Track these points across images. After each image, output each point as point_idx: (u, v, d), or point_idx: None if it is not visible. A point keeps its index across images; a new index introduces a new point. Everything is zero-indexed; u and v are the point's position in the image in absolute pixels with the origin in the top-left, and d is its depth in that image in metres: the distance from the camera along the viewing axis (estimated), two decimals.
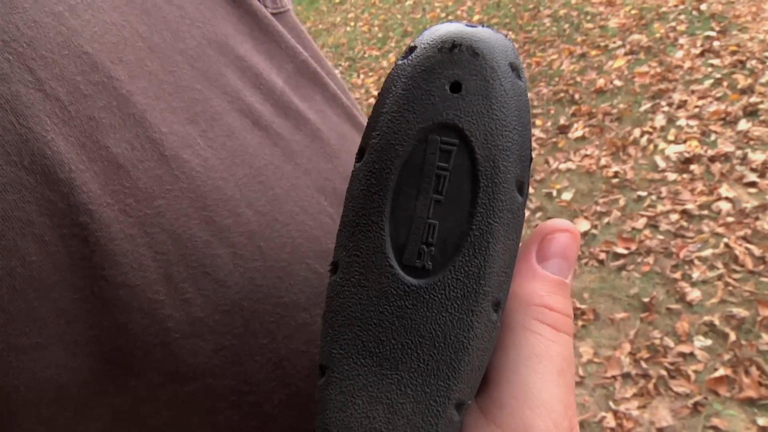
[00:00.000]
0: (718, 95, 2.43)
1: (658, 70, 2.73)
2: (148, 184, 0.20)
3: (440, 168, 0.17)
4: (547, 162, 2.43)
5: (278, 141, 0.25)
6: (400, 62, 0.18)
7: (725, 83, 2.47)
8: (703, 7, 3.10)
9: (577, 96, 2.77)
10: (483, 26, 0.18)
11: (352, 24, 4.86)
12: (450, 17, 4.23)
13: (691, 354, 1.58)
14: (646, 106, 2.54)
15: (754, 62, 2.53)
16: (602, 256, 1.94)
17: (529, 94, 2.91)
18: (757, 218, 1.85)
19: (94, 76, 0.19)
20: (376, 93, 3.41)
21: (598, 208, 2.12)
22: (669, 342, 1.63)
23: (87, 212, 0.18)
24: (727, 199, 1.95)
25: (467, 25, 0.17)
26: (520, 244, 0.20)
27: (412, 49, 0.18)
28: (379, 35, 4.43)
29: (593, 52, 3.08)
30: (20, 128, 0.17)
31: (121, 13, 0.21)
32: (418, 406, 0.17)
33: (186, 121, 0.22)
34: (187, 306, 0.21)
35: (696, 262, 1.81)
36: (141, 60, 0.21)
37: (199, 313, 0.21)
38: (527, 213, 2.20)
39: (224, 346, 0.22)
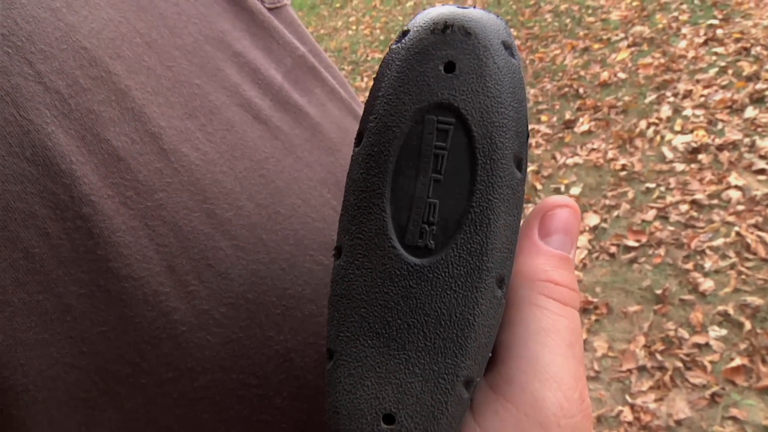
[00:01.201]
0: (724, 83, 2.41)
1: (662, 60, 2.71)
2: (147, 177, 0.20)
3: (438, 147, 0.17)
4: (554, 157, 2.42)
5: (278, 134, 0.25)
6: (393, 46, 0.18)
7: (730, 71, 2.46)
8: None
9: (581, 90, 2.76)
10: (474, 7, 0.18)
11: (354, 28, 4.87)
12: None
13: (707, 344, 1.57)
14: (652, 97, 2.52)
15: (758, 49, 2.51)
16: (613, 249, 1.93)
17: (534, 90, 2.90)
18: None
19: (92, 71, 0.19)
20: None
21: (607, 202, 2.11)
22: (683, 333, 1.61)
23: (90, 203, 0.19)
24: (736, 187, 1.93)
25: (459, 7, 0.18)
26: (522, 222, 0.20)
27: (405, 33, 0.18)
28: (381, 38, 4.44)
29: (596, 46, 3.06)
30: (21, 120, 0.17)
31: (118, 9, 0.22)
32: (427, 385, 0.17)
33: (185, 115, 0.22)
34: (192, 298, 0.21)
35: (708, 251, 1.79)
36: (139, 55, 0.21)
37: (204, 305, 0.21)
38: None
39: (231, 339, 0.22)
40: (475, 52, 0.17)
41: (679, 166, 2.12)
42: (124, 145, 0.20)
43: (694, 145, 2.18)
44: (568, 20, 3.45)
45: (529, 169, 2.39)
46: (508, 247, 0.17)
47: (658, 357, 1.58)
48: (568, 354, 0.18)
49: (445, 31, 0.17)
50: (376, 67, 3.92)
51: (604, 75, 2.78)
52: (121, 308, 0.20)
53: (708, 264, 1.75)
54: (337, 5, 5.66)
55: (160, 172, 0.21)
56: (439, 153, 0.17)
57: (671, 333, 1.63)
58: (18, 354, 0.18)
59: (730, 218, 1.85)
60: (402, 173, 0.17)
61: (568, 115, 2.63)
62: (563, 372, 0.18)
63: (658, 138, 2.29)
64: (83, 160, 0.18)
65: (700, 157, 2.12)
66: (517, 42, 3.39)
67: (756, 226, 1.79)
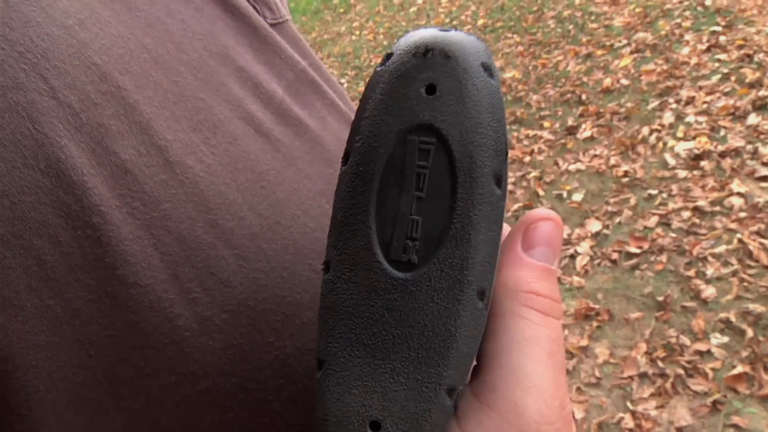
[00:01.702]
0: (727, 90, 2.41)
1: (665, 67, 2.72)
2: (153, 188, 0.21)
3: (420, 167, 0.17)
4: (556, 164, 2.42)
5: (279, 147, 0.26)
6: (378, 69, 0.18)
7: (733, 78, 2.46)
8: (708, 2, 3.09)
9: (584, 96, 2.77)
10: (456, 30, 0.18)
11: (357, 33, 4.88)
12: (454, 22, 4.25)
13: (708, 352, 1.57)
14: (654, 103, 2.53)
15: (761, 56, 2.51)
16: (615, 256, 1.93)
17: (537, 96, 2.91)
18: None
19: (102, 86, 0.20)
20: None
21: (609, 208, 2.11)
22: (685, 340, 1.61)
23: (99, 213, 0.19)
24: (739, 194, 1.93)
25: (440, 30, 0.18)
26: (507, 235, 0.21)
27: (389, 56, 0.18)
28: (385, 43, 4.45)
29: (599, 52, 3.07)
30: (36, 134, 0.18)
31: (127, 26, 0.22)
32: (411, 393, 0.17)
33: (190, 128, 0.23)
34: (194, 305, 0.22)
35: (710, 258, 1.79)
36: (146, 71, 0.22)
37: (206, 312, 0.22)
38: None
39: (232, 345, 0.23)
40: (455, 75, 0.17)
41: (682, 173, 2.13)
42: (131, 157, 0.20)
43: (696, 151, 2.18)
44: (571, 26, 3.46)
45: (531, 175, 2.39)
46: (488, 261, 0.18)
47: (660, 364, 1.58)
48: (549, 363, 0.19)
49: (426, 54, 0.17)
50: None
51: (607, 81, 2.79)
52: (127, 314, 0.20)
53: (710, 271, 1.75)
54: (341, 10, 5.68)
55: (165, 184, 0.21)
56: (421, 172, 0.17)
57: (673, 340, 1.63)
58: (30, 356, 0.19)
59: (733, 225, 1.85)
60: (386, 191, 0.18)
61: (570, 122, 2.64)
62: (543, 380, 0.18)
63: (660, 144, 2.30)
64: (93, 172, 0.19)
65: (703, 163, 2.12)
66: (519, 48, 3.40)
67: (758, 233, 1.79)
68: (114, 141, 0.20)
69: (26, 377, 0.19)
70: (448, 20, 4.33)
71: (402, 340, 0.17)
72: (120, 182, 0.20)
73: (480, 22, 4.03)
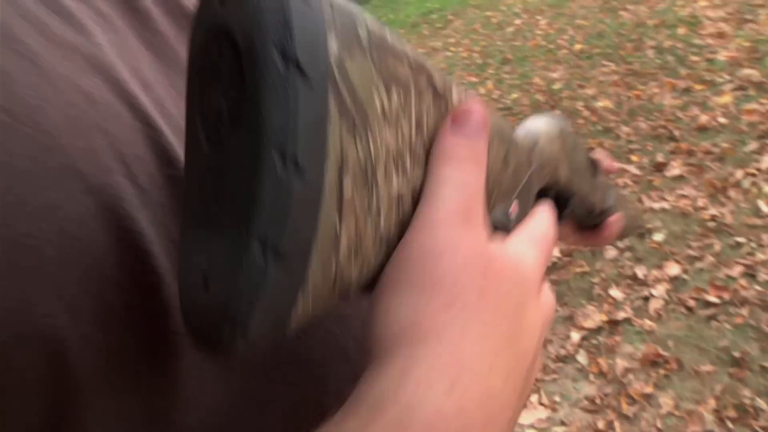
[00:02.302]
0: None
1: None
2: None
3: (221, 62, 0.22)
4: (640, 200, 2.35)
5: None
6: None
7: None
8: None
9: (677, 132, 2.66)
10: None
11: (453, 49, 4.92)
12: (551, 45, 4.19)
13: None
14: (753, 146, 2.39)
15: None
16: (691, 303, 1.85)
17: (627, 129, 2.82)
18: None
19: (169, 171, 0.26)
20: None
21: (691, 252, 2.03)
22: (761, 404, 1.52)
23: (158, 275, 0.25)
24: None
25: None
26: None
27: None
28: (479, 61, 4.46)
29: (698, 87, 2.94)
30: (117, 207, 0.24)
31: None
32: (228, 248, 0.21)
33: None
34: None
35: None
36: None
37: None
38: (615, 252, 2.14)
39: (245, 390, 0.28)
40: None
41: None
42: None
43: None
44: (670, 58, 3.32)
45: None
46: (287, 125, 0.20)
47: (729, 424, 1.50)
48: (457, 186, 0.24)
49: None
50: (471, 91, 3.94)
51: (703, 118, 2.66)
52: (170, 353, 0.26)
53: None
54: (438, 26, 5.72)
55: None
56: (221, 65, 0.21)
57: (747, 401, 1.54)
58: (83, 360, 0.24)
59: None
60: (204, 87, 0.22)
61: (660, 158, 2.54)
62: (447, 194, 0.24)
63: (754, 190, 2.17)
64: (157, 242, 0.25)
65: None
66: (614, 77, 3.30)
67: None
68: (170, 218, 0.26)
69: (77, 372, 0.24)
70: (544, 43, 4.28)
71: (219, 206, 0.21)
72: (171, 250, 0.26)
73: (577, 47, 3.96)
